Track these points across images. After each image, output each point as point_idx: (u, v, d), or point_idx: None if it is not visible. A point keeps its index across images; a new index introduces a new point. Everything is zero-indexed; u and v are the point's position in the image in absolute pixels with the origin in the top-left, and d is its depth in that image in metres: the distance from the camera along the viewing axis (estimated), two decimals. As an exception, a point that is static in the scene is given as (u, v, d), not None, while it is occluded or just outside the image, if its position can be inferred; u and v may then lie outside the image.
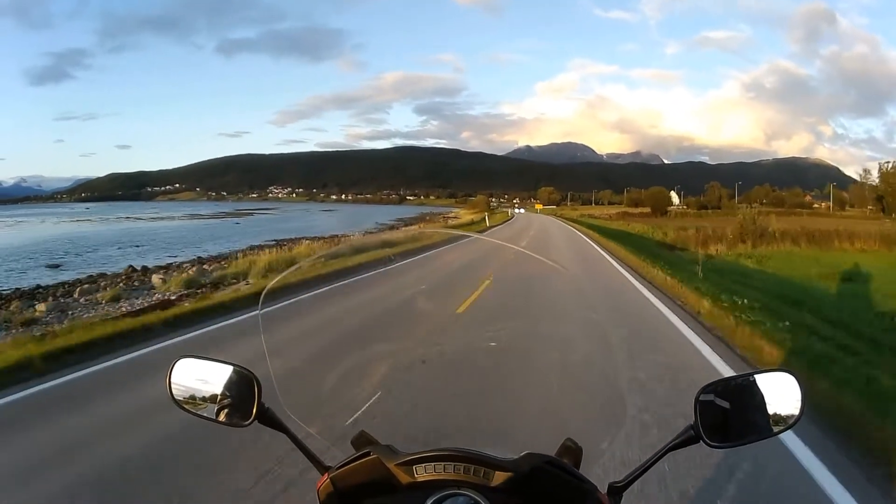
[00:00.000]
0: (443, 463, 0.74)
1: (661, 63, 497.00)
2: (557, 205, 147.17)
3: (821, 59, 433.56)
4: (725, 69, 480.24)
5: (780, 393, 0.83)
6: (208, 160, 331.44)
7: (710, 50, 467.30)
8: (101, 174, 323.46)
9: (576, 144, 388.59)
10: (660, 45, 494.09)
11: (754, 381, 0.84)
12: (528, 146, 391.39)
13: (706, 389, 0.83)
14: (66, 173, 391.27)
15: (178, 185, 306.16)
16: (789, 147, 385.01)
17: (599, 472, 0.94)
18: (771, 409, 0.82)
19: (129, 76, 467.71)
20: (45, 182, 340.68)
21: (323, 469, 0.82)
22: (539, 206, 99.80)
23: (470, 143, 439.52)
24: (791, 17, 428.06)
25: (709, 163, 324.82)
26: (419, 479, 0.75)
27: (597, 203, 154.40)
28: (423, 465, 0.75)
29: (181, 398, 0.91)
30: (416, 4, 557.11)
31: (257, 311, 1.35)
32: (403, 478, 0.75)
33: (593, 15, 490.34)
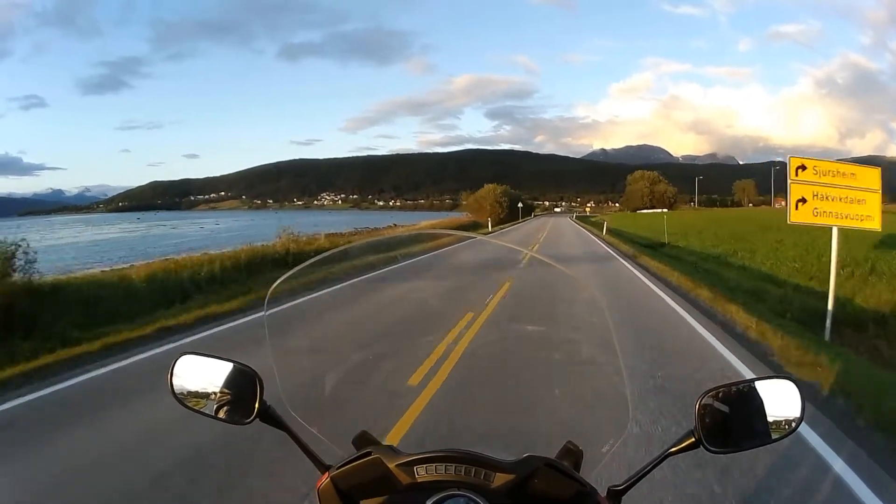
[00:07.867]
0: (443, 464, 0.74)
1: (734, 60, 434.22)
2: (671, 207, 78.53)
3: (890, 52, 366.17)
4: (797, 64, 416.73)
5: (780, 399, 0.84)
6: (258, 166, 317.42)
7: (781, 44, 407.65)
8: (170, 181, 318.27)
9: (651, 147, 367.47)
10: (731, 41, 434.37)
11: (754, 387, 0.84)
12: (603, 149, 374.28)
13: (707, 395, 0.82)
14: (133, 182, 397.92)
15: (223, 193, 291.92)
16: (863, 145, 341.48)
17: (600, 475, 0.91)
18: (771, 416, 0.83)
19: (190, 84, 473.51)
20: (110, 190, 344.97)
21: (323, 468, 0.81)
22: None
23: (545, 146, 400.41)
24: (859, 9, 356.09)
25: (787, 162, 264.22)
26: (419, 480, 0.74)
27: (735, 204, 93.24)
28: (424, 465, 0.74)
29: (182, 395, 0.90)
30: (485, 2, 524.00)
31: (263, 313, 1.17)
32: (404, 478, 0.75)
33: (663, 11, 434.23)
